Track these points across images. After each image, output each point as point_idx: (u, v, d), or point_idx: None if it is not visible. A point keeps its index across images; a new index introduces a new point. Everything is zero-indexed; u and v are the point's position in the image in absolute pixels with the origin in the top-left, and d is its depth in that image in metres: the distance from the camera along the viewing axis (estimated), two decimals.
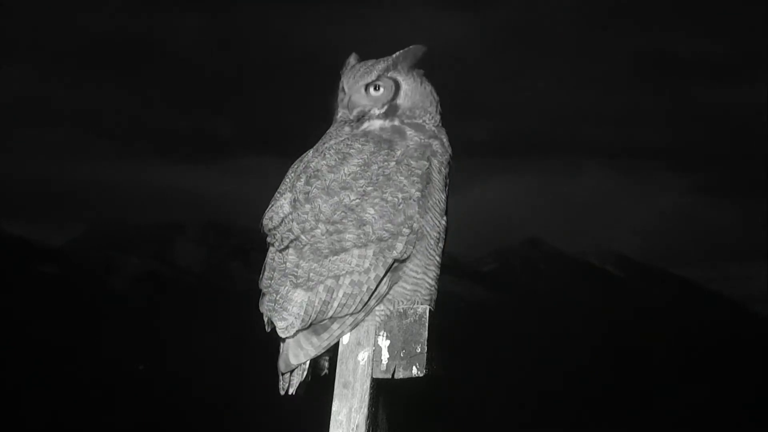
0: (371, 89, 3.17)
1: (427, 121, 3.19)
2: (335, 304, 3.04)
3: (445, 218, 3.12)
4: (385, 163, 3.07)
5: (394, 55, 3.18)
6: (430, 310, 3.01)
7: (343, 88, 3.21)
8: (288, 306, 3.07)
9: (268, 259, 3.15)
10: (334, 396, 3.01)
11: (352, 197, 3.05)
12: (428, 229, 3.07)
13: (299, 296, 3.07)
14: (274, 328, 3.10)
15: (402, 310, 3.02)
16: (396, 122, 3.17)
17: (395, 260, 3.04)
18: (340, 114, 3.22)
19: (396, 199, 3.05)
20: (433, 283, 3.09)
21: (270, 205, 3.17)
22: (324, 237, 3.06)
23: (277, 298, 3.09)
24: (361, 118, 3.18)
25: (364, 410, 2.97)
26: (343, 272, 3.04)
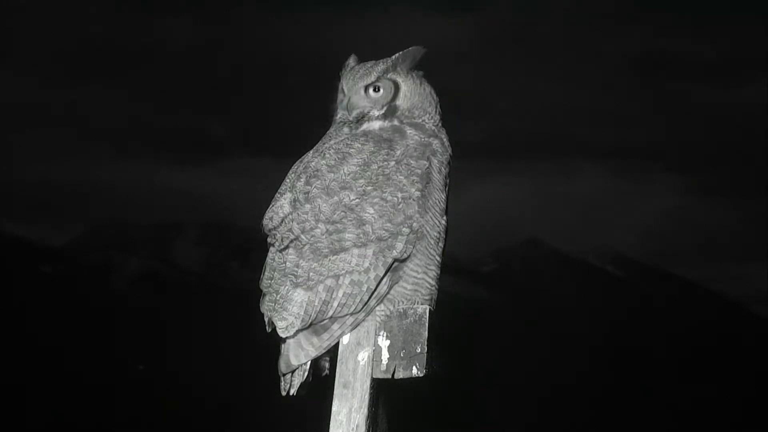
0: (371, 90, 3.18)
1: (427, 121, 3.19)
2: (335, 304, 3.04)
3: (445, 218, 3.12)
4: (385, 163, 3.07)
5: (393, 57, 3.18)
6: (430, 310, 3.01)
7: (342, 89, 3.21)
8: (288, 306, 3.07)
9: (268, 259, 3.15)
10: (334, 396, 3.01)
11: (352, 197, 3.05)
12: (428, 228, 3.07)
13: (299, 296, 3.07)
14: (274, 329, 3.10)
15: (402, 310, 3.02)
16: (395, 122, 3.18)
17: (395, 260, 3.04)
18: (339, 115, 3.22)
19: (396, 199, 3.05)
20: (433, 282, 3.09)
21: (270, 205, 3.17)
22: (324, 237, 3.05)
23: (278, 298, 3.09)
24: (361, 119, 3.19)
25: (364, 410, 2.97)
26: (343, 272, 3.04)
